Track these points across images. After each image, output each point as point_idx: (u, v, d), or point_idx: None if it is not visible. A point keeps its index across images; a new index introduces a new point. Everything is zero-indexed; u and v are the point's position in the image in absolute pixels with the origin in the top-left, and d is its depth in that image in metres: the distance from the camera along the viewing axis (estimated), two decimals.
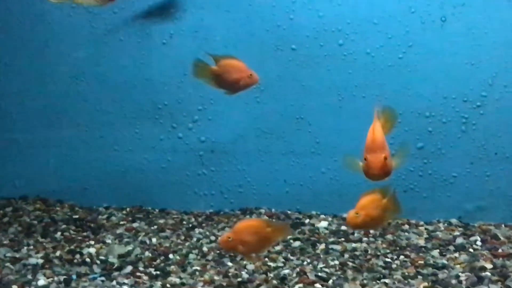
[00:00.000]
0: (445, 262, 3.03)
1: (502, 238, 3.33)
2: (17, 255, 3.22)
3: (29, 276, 2.96)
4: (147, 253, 3.22)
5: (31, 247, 3.33)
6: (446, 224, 3.57)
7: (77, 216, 3.76)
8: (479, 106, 3.53)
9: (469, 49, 3.50)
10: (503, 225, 3.53)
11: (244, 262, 3.07)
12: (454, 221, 3.60)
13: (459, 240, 3.30)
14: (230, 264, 3.09)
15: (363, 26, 3.56)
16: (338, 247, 3.24)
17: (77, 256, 3.19)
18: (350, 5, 3.57)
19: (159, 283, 2.86)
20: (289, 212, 3.77)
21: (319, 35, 3.60)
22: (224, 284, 2.85)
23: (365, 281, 2.83)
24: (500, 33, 3.46)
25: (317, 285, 2.80)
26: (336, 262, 3.06)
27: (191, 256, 3.20)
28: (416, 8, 3.52)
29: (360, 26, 3.57)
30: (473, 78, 3.51)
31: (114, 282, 2.89)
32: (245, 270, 3.00)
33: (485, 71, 3.50)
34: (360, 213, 2.67)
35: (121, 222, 3.68)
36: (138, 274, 2.98)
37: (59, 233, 3.51)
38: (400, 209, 2.77)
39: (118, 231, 3.54)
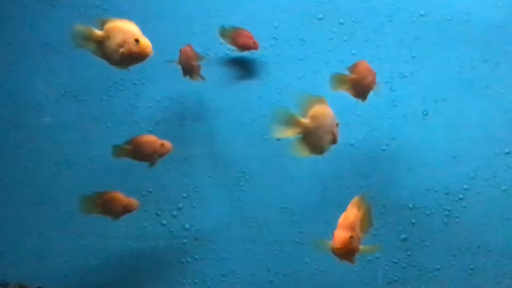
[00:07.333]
0: None
1: None
2: None
3: None
4: None
5: None
6: None
7: None
8: (461, 199, 3.57)
9: (451, 143, 3.57)
10: None
11: None
12: None
13: None
14: None
15: (347, 117, 3.62)
16: None
17: None
18: (333, 96, 3.64)
19: None
20: None
21: None
22: None
23: None
24: (481, 128, 3.54)
25: None
26: None
27: None
28: (398, 101, 3.62)
29: (344, 118, 3.60)
30: (455, 171, 3.57)
31: None
32: None
33: (466, 164, 3.56)
34: None
35: None
36: None
37: None
38: None
39: None
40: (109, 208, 3.30)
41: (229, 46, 3.65)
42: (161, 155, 3.36)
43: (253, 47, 3.61)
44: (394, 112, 3.62)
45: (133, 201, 3.36)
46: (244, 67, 3.78)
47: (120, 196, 3.33)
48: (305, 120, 2.76)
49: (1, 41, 3.92)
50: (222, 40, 3.66)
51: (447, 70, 3.61)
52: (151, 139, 3.36)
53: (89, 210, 3.30)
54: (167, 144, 3.36)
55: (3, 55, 3.92)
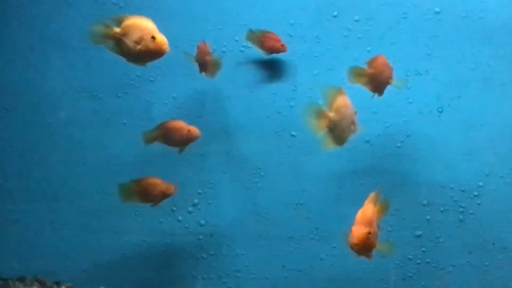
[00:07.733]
0: None
1: None
2: None
3: None
4: None
5: None
6: None
7: None
8: (476, 196, 3.57)
9: (466, 140, 3.58)
10: None
11: None
12: None
13: None
14: None
15: (362, 114, 3.61)
16: None
17: None
18: (349, 93, 3.66)
19: None
20: None
21: None
22: None
23: None
24: (496, 125, 3.55)
25: None
26: None
27: None
28: (413, 98, 3.63)
29: (360, 115, 3.62)
30: (470, 168, 3.58)
31: None
32: None
33: (481, 161, 3.57)
34: None
35: None
36: None
37: None
38: None
39: None
40: (147, 194, 3.30)
41: (258, 49, 3.67)
42: (188, 141, 3.37)
43: (281, 49, 3.64)
44: (409, 109, 3.63)
45: (172, 185, 3.36)
46: (259, 65, 3.79)
47: (158, 182, 3.34)
48: (331, 114, 2.81)
49: (17, 38, 3.95)
50: (250, 44, 3.68)
51: (462, 67, 3.62)
52: (179, 125, 3.39)
53: (128, 198, 3.29)
54: (194, 130, 3.37)
55: (20, 52, 3.95)
